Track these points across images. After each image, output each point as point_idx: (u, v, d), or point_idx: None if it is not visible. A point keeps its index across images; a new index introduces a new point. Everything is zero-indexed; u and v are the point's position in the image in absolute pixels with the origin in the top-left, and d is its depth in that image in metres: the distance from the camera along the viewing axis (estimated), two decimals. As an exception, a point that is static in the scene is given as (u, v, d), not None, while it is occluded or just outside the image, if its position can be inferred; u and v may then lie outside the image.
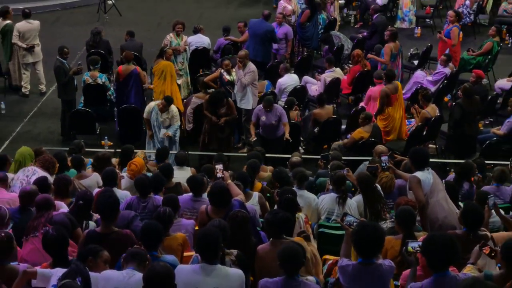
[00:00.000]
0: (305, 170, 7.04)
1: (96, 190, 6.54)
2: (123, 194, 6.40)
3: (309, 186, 7.15)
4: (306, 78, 11.47)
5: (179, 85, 10.92)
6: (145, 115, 9.39)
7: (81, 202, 5.46)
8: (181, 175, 7.39)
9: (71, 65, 10.60)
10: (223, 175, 6.35)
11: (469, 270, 4.53)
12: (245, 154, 8.94)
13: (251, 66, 9.92)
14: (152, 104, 9.40)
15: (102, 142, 10.08)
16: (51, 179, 6.42)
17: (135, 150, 8.32)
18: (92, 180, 6.89)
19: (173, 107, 9.37)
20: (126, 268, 4.41)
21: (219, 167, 6.46)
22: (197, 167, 8.43)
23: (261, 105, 9.37)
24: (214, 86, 10.38)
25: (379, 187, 6.67)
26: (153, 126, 9.34)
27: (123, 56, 10.52)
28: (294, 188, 6.59)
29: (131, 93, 10.24)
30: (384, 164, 6.77)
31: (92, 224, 5.61)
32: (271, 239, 5.11)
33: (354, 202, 6.69)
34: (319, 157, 8.28)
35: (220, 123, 9.24)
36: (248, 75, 9.84)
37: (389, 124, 9.64)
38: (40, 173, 6.50)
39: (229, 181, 6.25)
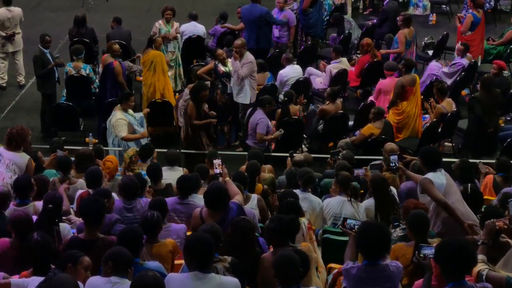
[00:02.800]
0: (312, 171, 7.03)
1: (80, 191, 6.54)
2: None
3: (313, 188, 7.14)
4: (310, 69, 11.47)
5: (169, 77, 10.87)
6: (123, 133, 8.69)
7: (50, 206, 5.40)
8: (172, 176, 7.33)
9: (53, 54, 10.62)
10: (221, 171, 6.39)
11: (480, 268, 4.51)
12: (242, 153, 9.01)
13: (249, 56, 9.84)
14: (118, 114, 8.80)
15: (87, 139, 9.99)
16: (21, 159, 6.70)
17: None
18: (76, 188, 6.79)
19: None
20: (110, 274, 4.40)
21: (217, 162, 6.51)
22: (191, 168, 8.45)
23: (261, 111, 9.16)
24: (208, 79, 10.37)
25: (394, 190, 6.65)
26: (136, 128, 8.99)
27: (107, 46, 10.52)
28: (298, 191, 6.57)
29: (106, 87, 10.19)
30: (393, 164, 6.75)
31: (63, 226, 5.54)
32: (273, 246, 5.11)
33: (363, 205, 6.70)
34: (325, 155, 8.29)
35: (212, 122, 9.17)
36: (245, 67, 9.75)
37: (402, 120, 9.62)
38: (4, 154, 6.67)
39: (227, 178, 6.26)
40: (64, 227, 5.54)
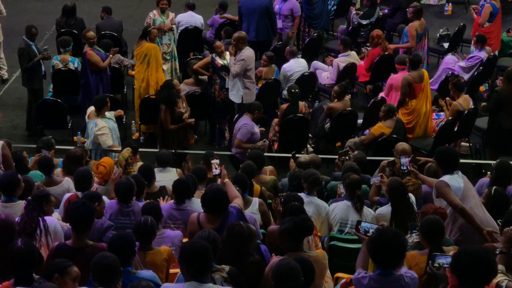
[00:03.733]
0: (318, 172, 6.98)
1: (67, 195, 6.50)
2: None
3: (319, 191, 7.14)
4: (316, 63, 11.47)
5: (164, 71, 10.86)
6: (110, 142, 8.70)
7: (29, 197, 5.52)
8: (164, 177, 7.39)
9: (39, 47, 10.62)
10: (220, 171, 6.44)
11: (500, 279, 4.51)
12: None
13: (245, 53, 9.73)
14: (99, 123, 8.73)
15: (75, 138, 10.05)
16: None
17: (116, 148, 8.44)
18: (62, 187, 6.85)
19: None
20: (98, 286, 4.39)
21: (216, 162, 6.58)
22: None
23: (247, 118, 9.09)
24: (205, 73, 10.36)
25: (412, 198, 6.61)
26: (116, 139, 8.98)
27: (82, 35, 10.45)
28: (302, 194, 6.58)
29: (89, 80, 10.10)
30: (404, 168, 6.71)
31: (51, 219, 5.58)
32: (286, 252, 5.03)
33: (371, 212, 6.70)
34: (332, 156, 8.33)
35: (189, 122, 9.14)
36: (238, 64, 9.69)
37: (412, 120, 9.62)
38: None
39: (227, 179, 6.27)
40: (51, 221, 5.57)
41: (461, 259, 4.13)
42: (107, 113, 8.93)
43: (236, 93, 9.88)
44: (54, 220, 5.68)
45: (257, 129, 9.22)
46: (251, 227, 5.16)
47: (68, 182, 6.85)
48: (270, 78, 10.65)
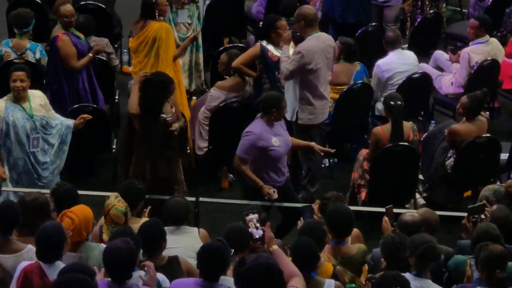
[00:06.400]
0: (434, 240, 7.04)
1: (23, 264, 6.54)
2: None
3: (435, 271, 7.24)
4: (433, 57, 11.76)
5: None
6: None
7: None
8: (179, 242, 7.51)
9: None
10: (262, 233, 6.62)
11: None
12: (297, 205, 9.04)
13: (307, 44, 9.72)
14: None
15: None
16: None
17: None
18: (18, 259, 6.82)
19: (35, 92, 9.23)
20: None
21: (253, 218, 6.77)
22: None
23: (260, 122, 9.11)
24: (250, 74, 10.47)
25: None
26: (14, 136, 9.09)
27: (53, 9, 10.56)
28: (408, 275, 6.64)
29: (59, 81, 10.31)
30: None
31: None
32: None
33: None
34: (458, 213, 8.52)
35: (173, 129, 9.06)
36: (290, 61, 9.69)
37: None
38: None
39: (275, 246, 6.36)
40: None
41: None
42: (36, 93, 9.18)
43: (288, 106, 9.77)
44: None
45: (275, 138, 9.07)
46: None
47: (28, 252, 6.85)
48: (351, 83, 10.77)
